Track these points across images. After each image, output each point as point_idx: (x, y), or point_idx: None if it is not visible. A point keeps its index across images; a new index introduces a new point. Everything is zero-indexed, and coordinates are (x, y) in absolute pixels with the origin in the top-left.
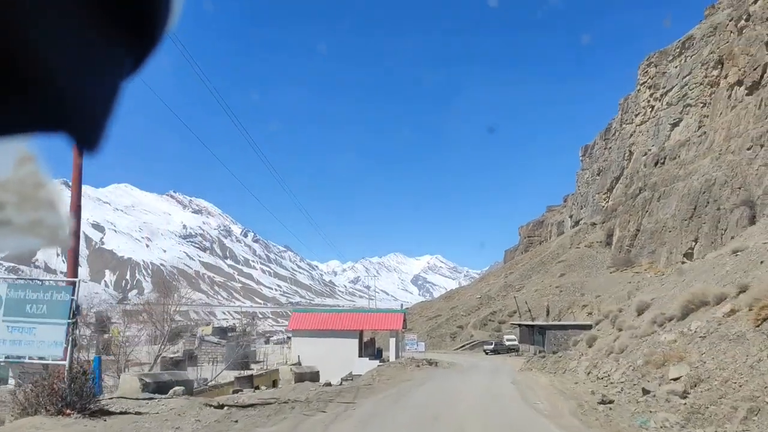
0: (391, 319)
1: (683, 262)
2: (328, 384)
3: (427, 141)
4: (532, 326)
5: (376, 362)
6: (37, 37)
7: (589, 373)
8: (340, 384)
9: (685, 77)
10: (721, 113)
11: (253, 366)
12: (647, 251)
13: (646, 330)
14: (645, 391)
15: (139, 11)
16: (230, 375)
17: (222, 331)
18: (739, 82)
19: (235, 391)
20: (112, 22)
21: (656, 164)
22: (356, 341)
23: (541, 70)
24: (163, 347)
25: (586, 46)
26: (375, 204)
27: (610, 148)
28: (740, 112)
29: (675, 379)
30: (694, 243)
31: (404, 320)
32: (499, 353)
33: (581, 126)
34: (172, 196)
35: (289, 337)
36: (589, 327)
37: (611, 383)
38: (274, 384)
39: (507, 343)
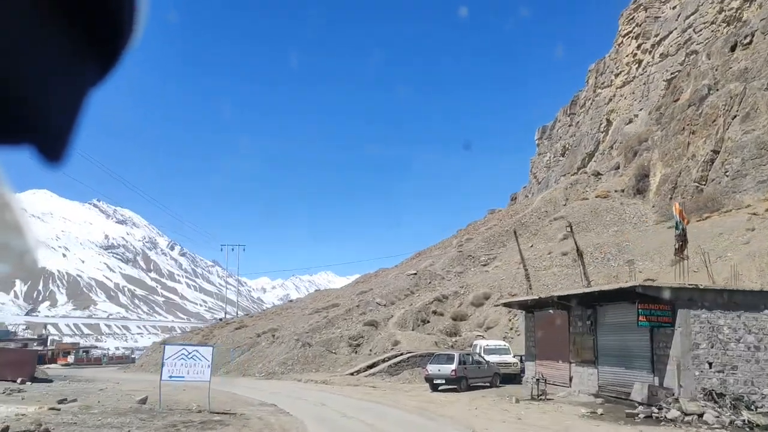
0: None
1: None
2: None
3: (355, 162)
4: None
5: None
6: None
7: None
8: None
9: (688, 17)
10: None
11: None
12: (753, 180)
13: None
14: None
15: (105, 19)
16: None
17: None
18: None
19: None
20: (77, 29)
21: (733, 49)
22: None
23: (479, 72)
24: None
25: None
26: (308, 223)
27: (578, 122)
28: None
29: None
30: None
31: None
32: (470, 387)
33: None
34: (95, 205)
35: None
36: None
37: None
38: None
39: (494, 358)
